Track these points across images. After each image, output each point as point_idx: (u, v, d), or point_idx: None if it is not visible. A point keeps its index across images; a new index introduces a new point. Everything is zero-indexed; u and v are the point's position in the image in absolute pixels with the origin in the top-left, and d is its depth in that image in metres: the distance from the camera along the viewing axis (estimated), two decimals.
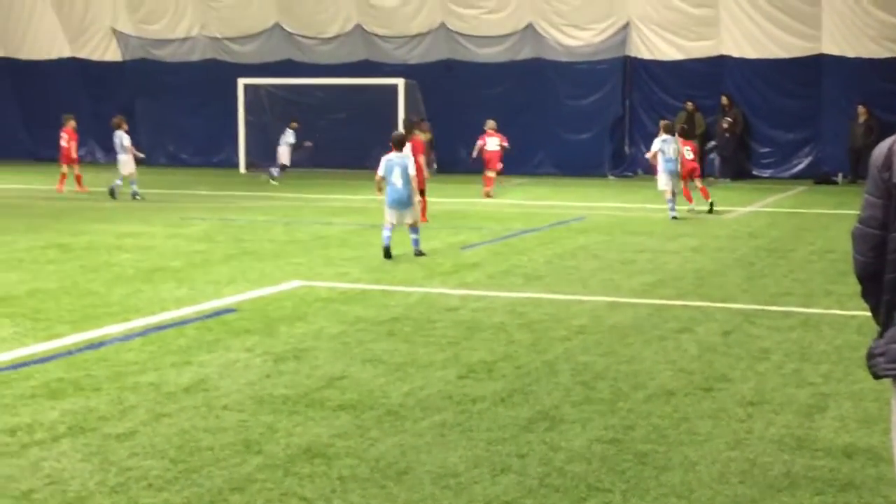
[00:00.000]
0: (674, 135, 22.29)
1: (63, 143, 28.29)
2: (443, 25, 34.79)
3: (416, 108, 34.04)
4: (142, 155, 27.79)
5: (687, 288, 13.52)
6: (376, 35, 35.71)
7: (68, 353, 9.80)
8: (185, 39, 37.76)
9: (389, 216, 16.10)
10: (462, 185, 30.10)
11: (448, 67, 34.73)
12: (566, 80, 33.87)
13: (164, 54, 38.00)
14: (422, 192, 20.01)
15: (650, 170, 33.29)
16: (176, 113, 37.40)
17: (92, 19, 38.77)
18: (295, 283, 13.64)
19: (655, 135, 32.52)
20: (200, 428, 7.55)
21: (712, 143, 33.18)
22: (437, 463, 6.87)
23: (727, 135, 32.33)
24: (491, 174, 26.88)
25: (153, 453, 7.01)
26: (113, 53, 38.70)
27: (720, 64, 32.74)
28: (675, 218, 21.12)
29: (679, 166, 21.99)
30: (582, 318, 11.54)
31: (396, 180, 15.95)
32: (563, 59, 33.94)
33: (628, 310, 12.03)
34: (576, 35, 33.88)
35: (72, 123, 28.72)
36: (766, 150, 32.91)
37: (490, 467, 6.79)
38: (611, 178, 33.31)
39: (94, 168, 36.72)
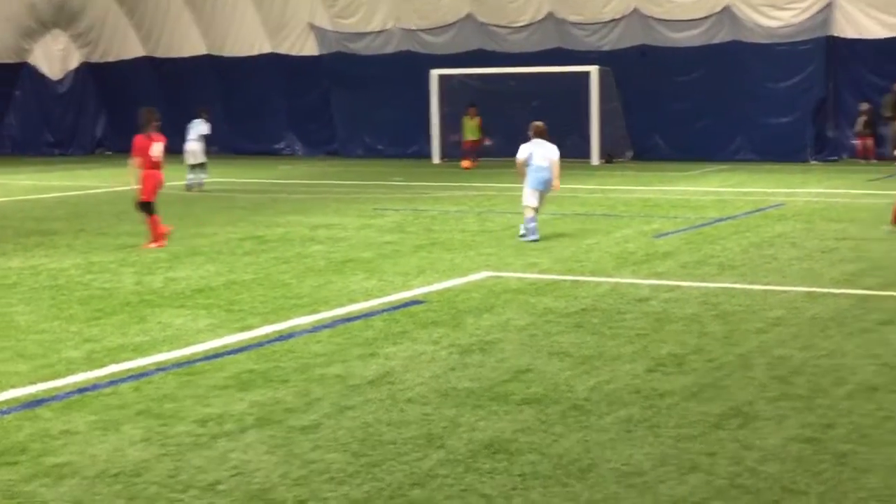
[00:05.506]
0: (545, 139, 16.90)
1: None
2: (636, 11, 34.22)
3: (609, 94, 33.65)
4: (214, 148, 28.18)
5: (893, 277, 12.87)
6: (569, 22, 35.39)
7: (259, 344, 9.96)
8: (379, 32, 38.24)
9: None
10: (656, 172, 29.60)
11: (641, 52, 34.13)
12: (765, 62, 32.83)
13: (359, 47, 38.58)
14: (146, 206, 16.67)
15: (855, 153, 32.22)
16: (371, 104, 37.92)
17: (291, 15, 39.66)
18: (484, 274, 13.57)
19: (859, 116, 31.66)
20: (383, 421, 7.52)
21: None
22: (622, 460, 6.65)
23: None
24: None
25: (336, 446, 7.01)
26: (310, 48, 39.51)
27: None
28: (527, 238, 16.39)
29: (553, 176, 16.76)
30: (779, 309, 11.09)
31: None
32: (762, 40, 32.91)
33: (829, 300, 11.50)
34: (775, 16, 32.81)
35: None
36: None
37: (677, 466, 6.54)
38: (813, 162, 32.18)
39: (292, 160, 37.66)
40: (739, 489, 6.16)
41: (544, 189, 16.79)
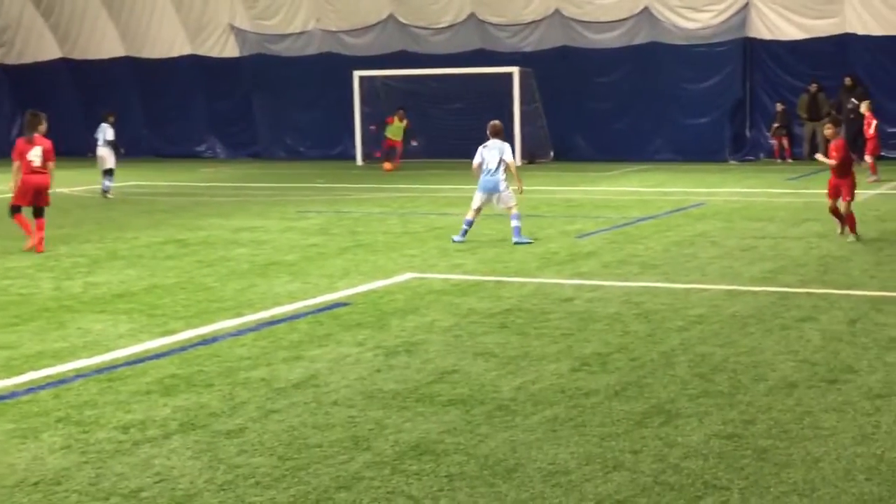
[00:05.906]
0: (501, 138, 16.60)
1: None
2: (557, 12, 34.46)
3: (531, 95, 33.83)
4: (122, 150, 27.50)
5: (811, 275, 13.09)
6: (490, 23, 35.54)
7: (182, 348, 9.86)
8: (300, 33, 38.05)
9: None
10: (577, 173, 29.83)
11: (562, 56, 34.38)
12: (684, 63, 33.25)
13: (280, 49, 38.36)
14: (15, 210, 16.64)
15: (772, 153, 32.75)
16: (293, 106, 37.73)
17: (211, 17, 39.31)
18: (408, 276, 13.56)
19: (775, 117, 32.19)
20: (309, 424, 7.49)
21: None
22: (548, 459, 6.69)
23: (852, 116, 31.33)
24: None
25: (261, 450, 6.96)
26: (231, 50, 39.20)
27: (844, 42, 31.78)
28: (455, 238, 16.40)
29: (501, 179, 16.21)
30: (700, 307, 11.23)
31: None
32: (681, 42, 33.34)
33: (748, 298, 11.67)
34: (693, 17, 33.26)
35: None
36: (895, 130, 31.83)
37: (602, 464, 6.59)
38: (731, 162, 32.65)
39: (214, 163, 37.34)
40: (663, 486, 6.23)
41: (492, 190, 16.37)
